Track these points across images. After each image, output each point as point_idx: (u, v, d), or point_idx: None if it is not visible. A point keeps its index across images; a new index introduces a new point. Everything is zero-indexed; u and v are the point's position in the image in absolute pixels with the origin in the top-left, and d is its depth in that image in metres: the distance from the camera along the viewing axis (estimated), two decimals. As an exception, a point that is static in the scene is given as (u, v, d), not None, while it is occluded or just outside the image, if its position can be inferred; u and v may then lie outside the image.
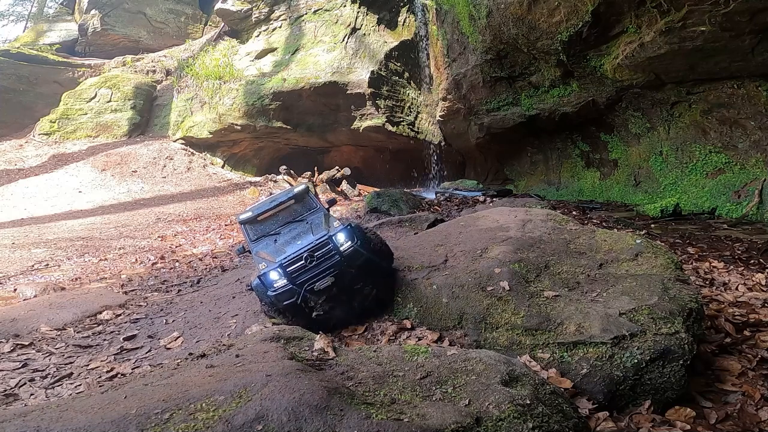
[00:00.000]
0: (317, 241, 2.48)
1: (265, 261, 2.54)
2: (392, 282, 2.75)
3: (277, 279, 2.44)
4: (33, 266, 5.64)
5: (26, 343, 3.03)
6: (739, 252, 4.51)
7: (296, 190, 2.89)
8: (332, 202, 3.00)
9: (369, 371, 1.64)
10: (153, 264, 5.54)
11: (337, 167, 11.23)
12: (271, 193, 10.75)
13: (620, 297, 2.37)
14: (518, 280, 2.52)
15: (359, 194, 10.88)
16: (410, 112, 12.22)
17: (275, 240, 2.69)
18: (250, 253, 2.81)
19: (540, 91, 8.88)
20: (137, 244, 6.78)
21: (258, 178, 12.58)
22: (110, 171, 11.79)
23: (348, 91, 11.31)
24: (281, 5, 13.15)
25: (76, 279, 5.01)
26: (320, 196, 10.44)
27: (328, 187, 10.73)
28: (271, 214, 2.82)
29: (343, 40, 11.87)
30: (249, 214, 2.80)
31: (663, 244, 3.39)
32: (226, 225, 7.90)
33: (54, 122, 13.49)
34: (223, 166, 13.20)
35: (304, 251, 2.44)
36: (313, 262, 2.44)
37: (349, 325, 2.63)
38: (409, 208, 6.53)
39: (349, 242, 2.50)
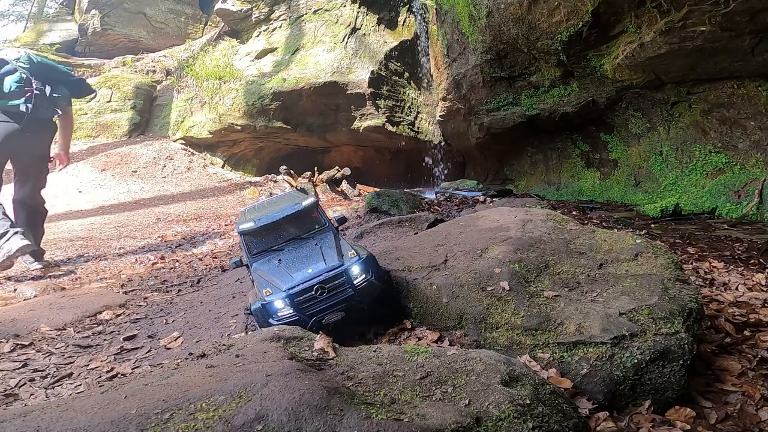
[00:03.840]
0: (330, 273, 2.32)
1: (269, 285, 2.34)
2: (392, 299, 2.64)
3: (282, 308, 2.28)
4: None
5: (26, 343, 3.03)
6: (739, 252, 4.50)
7: (305, 203, 2.62)
8: (342, 221, 2.79)
9: (369, 371, 1.64)
10: (153, 264, 5.54)
11: (337, 167, 11.22)
12: (271, 194, 10.74)
13: (620, 297, 2.36)
14: (518, 280, 2.52)
15: (359, 194, 10.88)
16: (410, 112, 12.21)
17: (279, 259, 2.47)
18: (247, 267, 2.59)
19: (540, 91, 8.87)
20: (137, 244, 6.79)
21: (258, 178, 12.57)
22: (110, 171, 11.78)
23: (348, 91, 11.31)
24: (281, 5, 13.15)
25: (76, 279, 5.01)
26: (320, 196, 10.44)
27: (328, 187, 10.72)
28: (275, 226, 2.56)
29: (343, 40, 11.87)
30: (251, 224, 2.51)
31: (663, 244, 3.38)
32: (226, 225, 7.90)
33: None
34: (223, 166, 13.19)
35: (315, 282, 2.29)
36: (324, 294, 2.30)
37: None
38: (409, 208, 6.51)
39: (364, 275, 2.37)
